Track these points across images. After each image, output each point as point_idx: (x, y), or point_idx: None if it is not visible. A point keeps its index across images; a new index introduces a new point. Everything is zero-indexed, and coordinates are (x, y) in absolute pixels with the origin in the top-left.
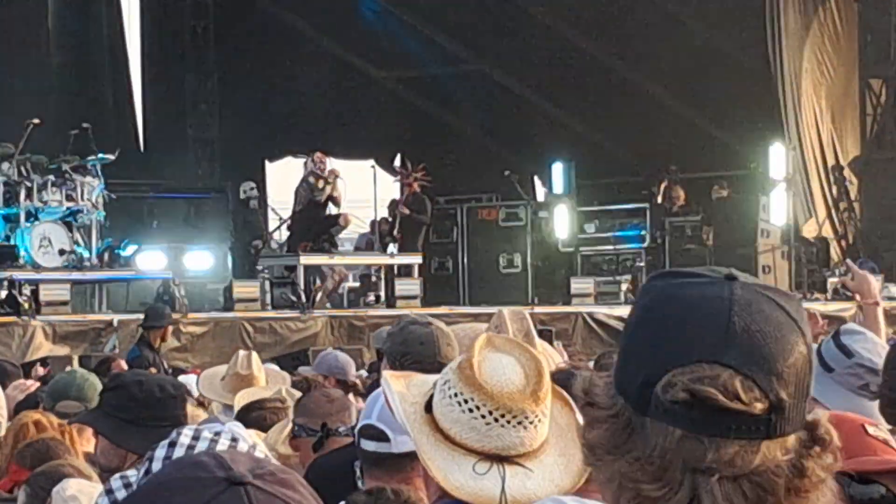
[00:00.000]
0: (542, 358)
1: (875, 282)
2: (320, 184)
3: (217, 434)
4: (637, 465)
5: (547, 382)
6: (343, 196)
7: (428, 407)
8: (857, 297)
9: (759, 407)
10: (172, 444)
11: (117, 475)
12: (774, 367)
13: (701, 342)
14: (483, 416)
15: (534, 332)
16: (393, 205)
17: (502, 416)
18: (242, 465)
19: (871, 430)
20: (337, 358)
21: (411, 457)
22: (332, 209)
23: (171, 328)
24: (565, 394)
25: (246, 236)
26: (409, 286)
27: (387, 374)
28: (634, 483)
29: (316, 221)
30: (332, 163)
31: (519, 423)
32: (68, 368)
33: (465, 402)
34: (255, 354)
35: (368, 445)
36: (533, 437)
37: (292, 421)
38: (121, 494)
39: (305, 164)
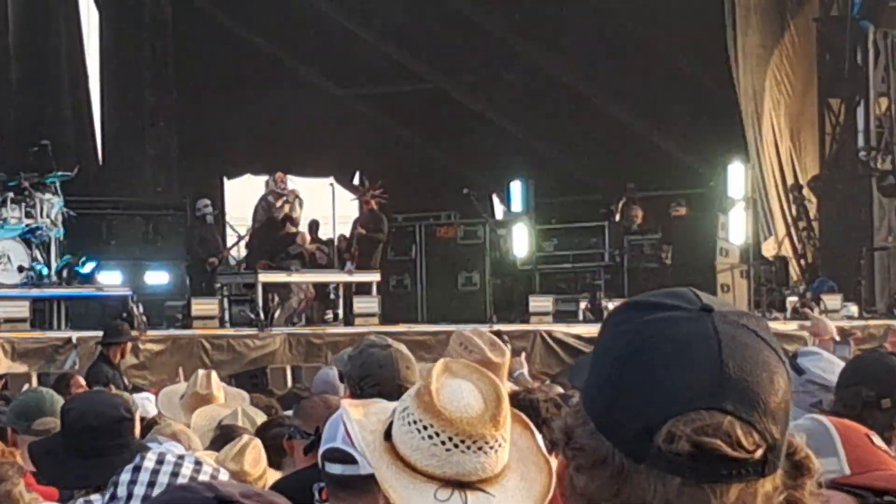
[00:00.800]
0: (500, 384)
1: (829, 323)
2: (279, 202)
3: (181, 458)
4: None
5: (506, 407)
6: (300, 216)
7: (388, 435)
8: (815, 338)
9: (759, 453)
10: (137, 469)
11: (81, 499)
12: (768, 408)
13: (698, 388)
14: (443, 443)
15: (499, 340)
16: (354, 223)
17: (462, 441)
18: (232, 487)
19: (875, 439)
20: (332, 375)
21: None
22: (289, 228)
23: (129, 345)
24: (524, 417)
25: (202, 253)
26: (367, 304)
27: (345, 403)
28: None
29: (274, 239)
30: (292, 182)
31: (479, 448)
32: (28, 387)
33: (425, 428)
34: (214, 374)
35: (334, 469)
36: (494, 462)
37: (289, 423)
38: None
39: (267, 182)
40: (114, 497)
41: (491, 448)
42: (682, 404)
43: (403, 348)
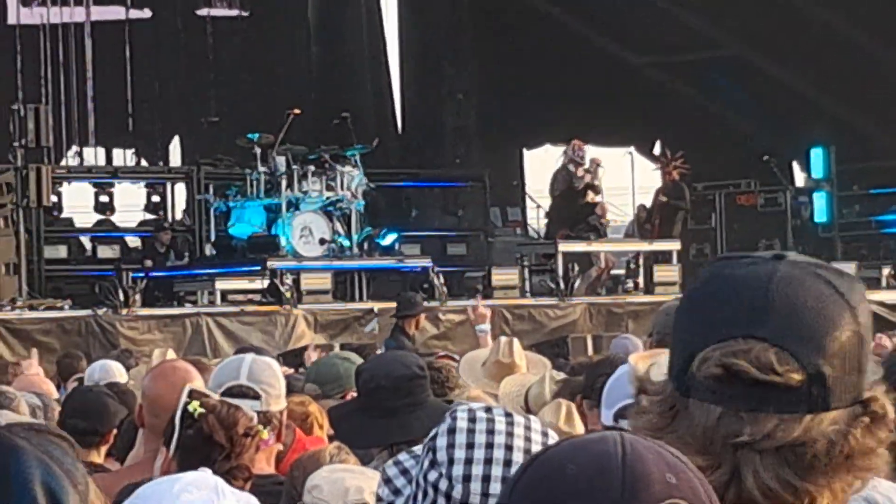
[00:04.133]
0: None
1: None
2: (580, 172)
3: (489, 410)
4: (680, 443)
5: None
6: (602, 185)
7: None
8: None
9: (795, 378)
10: (451, 431)
11: (391, 461)
12: (814, 340)
13: (736, 318)
14: None
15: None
16: (656, 193)
17: None
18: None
19: None
20: (629, 346)
21: None
22: (590, 197)
23: (423, 316)
24: None
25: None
26: (668, 272)
27: (631, 357)
28: None
29: (574, 209)
30: (590, 151)
31: None
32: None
33: None
34: (516, 341)
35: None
36: None
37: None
38: (399, 482)
39: (565, 151)
40: (434, 463)
41: None
42: (722, 333)
43: None
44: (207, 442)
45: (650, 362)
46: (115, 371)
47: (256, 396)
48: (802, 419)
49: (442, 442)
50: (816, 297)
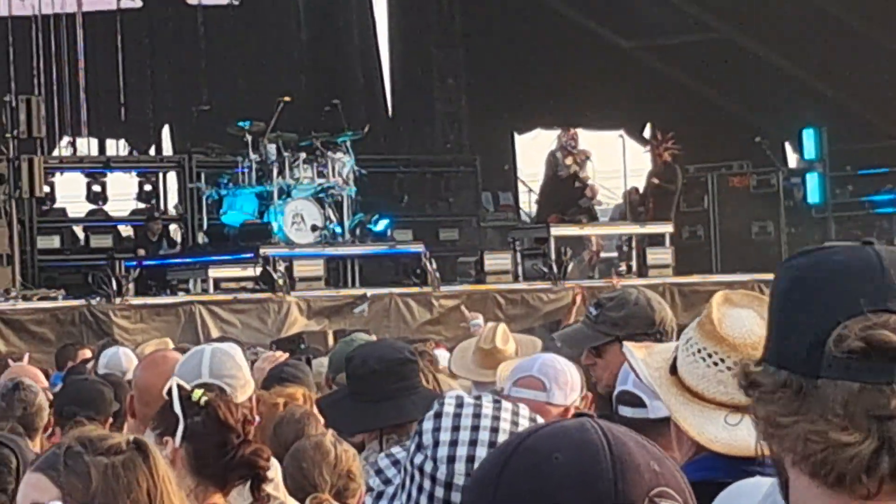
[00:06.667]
0: None
1: None
2: (568, 160)
3: (478, 398)
4: (821, 422)
5: None
6: (591, 177)
7: (673, 369)
8: None
9: None
10: (438, 416)
11: (382, 454)
12: None
13: (862, 294)
14: (729, 368)
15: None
16: (648, 176)
17: None
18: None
19: None
20: None
21: (667, 421)
22: (577, 184)
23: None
24: None
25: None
26: (660, 255)
27: (628, 345)
28: (821, 435)
29: (563, 193)
30: (584, 139)
31: None
32: (332, 344)
33: (710, 356)
34: (501, 326)
35: (626, 411)
36: None
37: None
38: (391, 473)
39: (559, 136)
40: (420, 446)
41: None
42: (849, 311)
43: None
44: (222, 428)
45: (646, 351)
46: (124, 359)
47: (222, 391)
48: None
49: (428, 425)
50: None
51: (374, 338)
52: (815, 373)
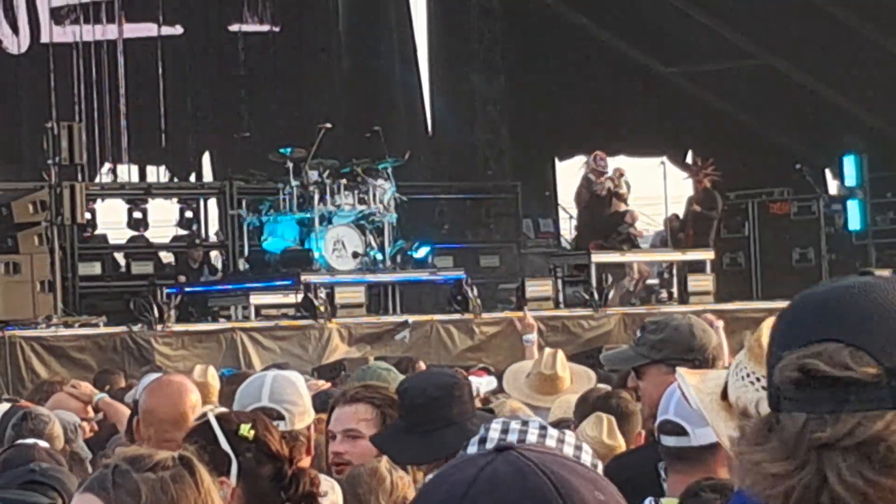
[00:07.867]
0: None
1: None
2: (601, 179)
3: (525, 424)
4: (770, 454)
5: None
6: (627, 195)
7: (724, 395)
8: None
9: (870, 373)
10: (483, 441)
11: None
12: (890, 337)
13: (813, 326)
14: None
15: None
16: (688, 202)
17: None
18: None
19: None
20: None
21: (710, 449)
22: (616, 206)
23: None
24: None
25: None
26: (701, 282)
27: (681, 370)
28: (757, 465)
29: (603, 218)
30: (617, 161)
31: None
32: (365, 367)
33: (758, 380)
34: (560, 353)
35: (668, 441)
36: None
37: None
38: None
39: (587, 162)
40: None
41: None
42: (800, 341)
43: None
44: (273, 458)
45: (700, 377)
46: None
47: (281, 417)
48: (884, 416)
49: (472, 451)
50: (892, 299)
51: (385, 364)
52: (777, 407)
